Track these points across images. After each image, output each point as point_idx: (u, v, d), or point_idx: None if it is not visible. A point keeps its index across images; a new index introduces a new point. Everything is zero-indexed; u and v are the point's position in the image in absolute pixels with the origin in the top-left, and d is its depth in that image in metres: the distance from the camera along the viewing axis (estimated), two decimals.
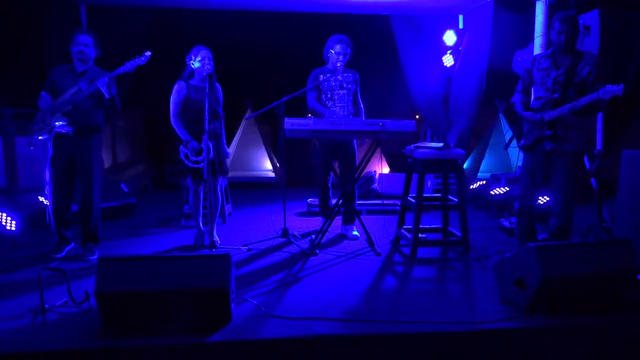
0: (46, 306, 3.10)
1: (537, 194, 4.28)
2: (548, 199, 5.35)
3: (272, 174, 8.67)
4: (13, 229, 4.62)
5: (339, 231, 5.21)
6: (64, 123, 4.11)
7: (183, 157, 4.43)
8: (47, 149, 4.23)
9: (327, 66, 4.95)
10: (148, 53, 4.08)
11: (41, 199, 5.07)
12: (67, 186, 4.32)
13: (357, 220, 4.82)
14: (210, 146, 4.33)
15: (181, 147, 4.45)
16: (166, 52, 7.16)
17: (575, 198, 4.08)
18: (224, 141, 4.73)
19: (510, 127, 8.03)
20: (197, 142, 4.39)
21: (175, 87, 4.52)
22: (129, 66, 4.07)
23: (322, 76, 4.91)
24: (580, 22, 5.00)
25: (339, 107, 4.92)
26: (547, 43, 5.41)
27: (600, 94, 3.66)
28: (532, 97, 4.19)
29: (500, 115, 8.30)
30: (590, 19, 4.89)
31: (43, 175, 4.33)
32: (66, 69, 4.26)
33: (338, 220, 5.17)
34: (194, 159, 4.40)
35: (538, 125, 4.04)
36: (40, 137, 4.17)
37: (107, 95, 4.11)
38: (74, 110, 4.16)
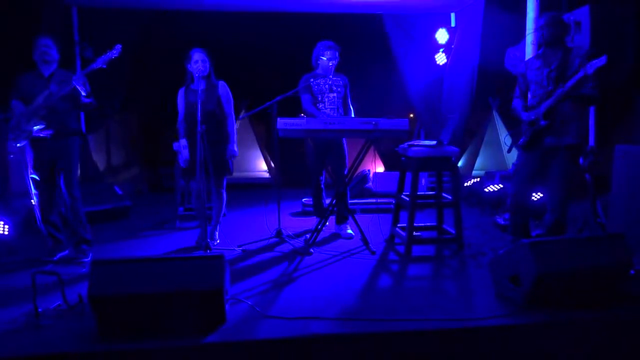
0: (40, 310, 3.09)
1: (531, 190, 4.27)
2: (542, 195, 5.36)
3: (267, 175, 8.66)
4: (6, 233, 4.60)
5: (333, 230, 5.21)
6: (42, 127, 4.12)
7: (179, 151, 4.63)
8: (26, 153, 4.25)
9: (317, 71, 4.96)
10: (119, 46, 4.06)
11: (33, 202, 5.04)
12: (49, 189, 4.32)
13: (351, 219, 4.82)
14: (199, 147, 4.32)
15: (174, 143, 4.66)
16: (160, 55, 7.16)
17: (570, 194, 4.09)
18: (233, 140, 4.74)
19: (509, 130, 8.02)
20: (191, 143, 4.44)
21: (178, 93, 4.66)
22: (100, 62, 4.03)
23: (312, 80, 4.92)
24: (572, 18, 5.03)
25: (329, 109, 4.94)
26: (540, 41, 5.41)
27: (587, 69, 3.65)
28: (531, 97, 4.19)
29: (494, 112, 8.31)
30: (581, 15, 4.90)
31: (25, 180, 4.34)
32: (33, 75, 4.25)
33: (332, 219, 5.17)
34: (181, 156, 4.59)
35: (535, 121, 4.05)
36: (18, 145, 4.16)
37: (84, 92, 4.10)
38: (49, 113, 4.15)
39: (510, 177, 5.78)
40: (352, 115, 5.05)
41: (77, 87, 4.06)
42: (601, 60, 3.61)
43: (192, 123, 4.41)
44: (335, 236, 5.12)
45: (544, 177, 4.20)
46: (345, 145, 5.09)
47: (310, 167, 5.09)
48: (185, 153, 4.50)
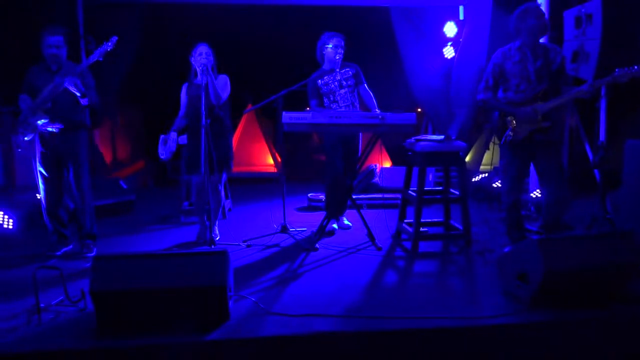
0: (42, 305, 3.07)
1: (523, 186, 4.17)
2: (540, 192, 5.27)
3: (274, 169, 8.63)
4: (10, 227, 4.60)
5: (332, 221, 5.18)
6: (46, 120, 4.09)
7: (160, 144, 4.54)
8: (35, 147, 4.21)
9: (323, 67, 4.88)
10: (114, 38, 4.04)
11: (39, 196, 5.03)
12: (57, 184, 4.30)
13: (357, 213, 4.75)
14: (204, 141, 4.27)
15: (161, 135, 4.55)
16: (164, 48, 7.12)
17: (565, 188, 3.98)
18: (231, 136, 4.70)
19: (484, 125, 7.84)
20: (195, 138, 4.36)
21: (181, 89, 4.66)
22: (97, 54, 4.02)
23: (319, 81, 4.84)
24: (583, 10, 4.95)
25: (344, 107, 4.86)
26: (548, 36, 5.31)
27: (616, 75, 3.54)
28: (510, 91, 4.02)
29: None
30: (593, 7, 4.82)
31: (33, 174, 4.31)
32: (41, 68, 4.23)
33: None
34: (162, 149, 4.50)
35: (531, 118, 3.88)
36: (26, 138, 4.14)
37: (77, 94, 4.08)
38: (54, 106, 4.13)
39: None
40: (374, 103, 4.91)
41: (69, 88, 4.03)
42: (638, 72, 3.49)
43: (195, 117, 4.37)
44: (337, 229, 5.12)
45: (539, 173, 4.09)
46: (360, 139, 5.03)
47: (328, 162, 5.01)
48: (172, 145, 4.47)
